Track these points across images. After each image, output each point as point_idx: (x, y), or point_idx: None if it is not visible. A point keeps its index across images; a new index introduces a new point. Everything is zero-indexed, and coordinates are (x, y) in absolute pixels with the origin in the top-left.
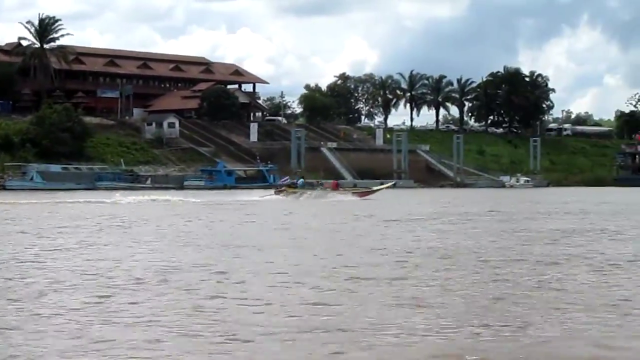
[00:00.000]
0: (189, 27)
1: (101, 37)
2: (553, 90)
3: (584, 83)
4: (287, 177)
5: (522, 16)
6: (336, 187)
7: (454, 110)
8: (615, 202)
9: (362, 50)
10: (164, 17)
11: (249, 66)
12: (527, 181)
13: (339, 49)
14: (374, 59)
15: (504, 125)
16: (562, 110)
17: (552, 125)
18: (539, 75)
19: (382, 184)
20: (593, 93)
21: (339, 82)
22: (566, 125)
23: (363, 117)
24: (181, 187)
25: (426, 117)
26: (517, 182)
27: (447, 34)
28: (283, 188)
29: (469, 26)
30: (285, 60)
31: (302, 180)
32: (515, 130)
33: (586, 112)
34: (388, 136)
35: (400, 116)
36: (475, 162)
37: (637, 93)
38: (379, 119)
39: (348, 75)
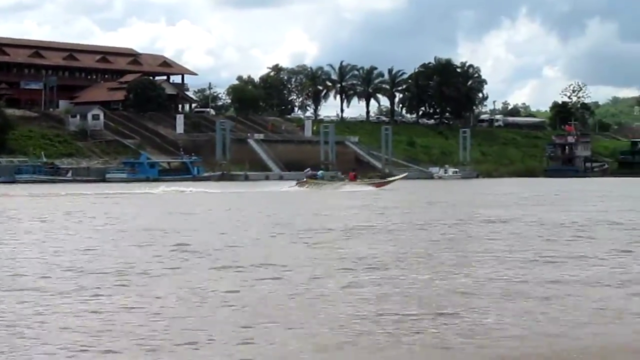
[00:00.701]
0: (129, 19)
1: (39, 29)
2: (485, 81)
3: (523, 75)
4: (309, 169)
5: (461, 8)
6: (354, 179)
7: (386, 102)
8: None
9: (302, 42)
10: (104, 9)
11: (188, 58)
12: (456, 172)
13: (279, 41)
14: (313, 51)
15: (436, 116)
16: (494, 102)
17: (484, 117)
18: (470, 66)
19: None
20: (532, 85)
21: (272, 73)
22: (498, 117)
23: (296, 109)
24: (103, 180)
25: (359, 109)
26: (446, 173)
27: (387, 26)
28: (305, 179)
29: (409, 18)
30: (225, 53)
31: (322, 172)
32: (446, 122)
33: (523, 104)
34: (314, 128)
35: (333, 108)
36: (406, 154)
37: (572, 84)
38: (312, 110)
39: (281, 67)
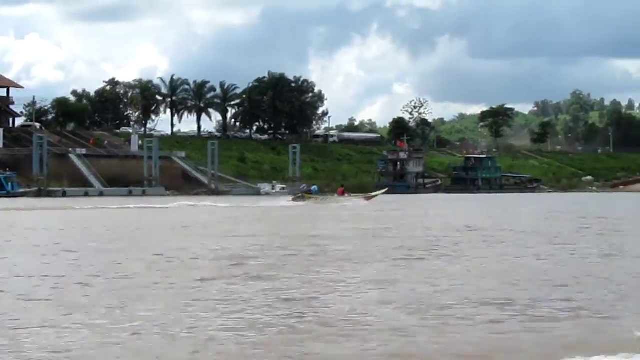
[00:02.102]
0: None
1: None
2: (324, 97)
3: (374, 91)
4: (304, 185)
5: (313, 25)
6: (342, 194)
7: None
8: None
9: (152, 56)
10: None
11: (37, 72)
12: (283, 189)
13: (130, 56)
14: (164, 65)
15: (270, 131)
16: (329, 117)
17: (318, 132)
18: (305, 81)
19: (130, 192)
20: (383, 101)
21: (108, 87)
22: (333, 132)
23: (132, 123)
24: None
25: (194, 124)
26: (273, 189)
27: (238, 42)
28: (300, 194)
29: (261, 34)
30: (75, 67)
31: (315, 187)
32: (280, 137)
33: (370, 120)
34: (140, 142)
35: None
36: (236, 169)
37: (413, 100)
38: (148, 125)
39: (118, 81)
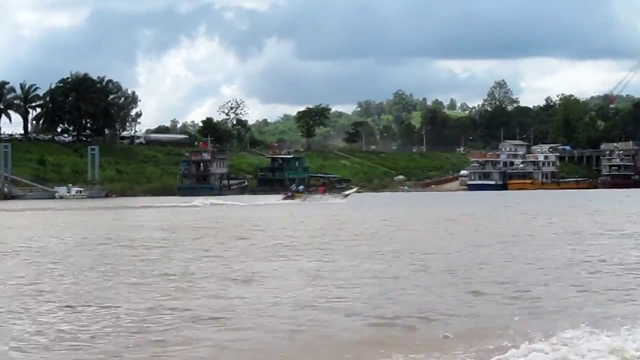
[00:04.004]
0: None
1: None
2: (136, 98)
3: (202, 93)
4: (294, 185)
5: (141, 27)
6: (323, 192)
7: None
8: None
9: None
10: None
11: None
12: (80, 192)
13: None
14: None
15: (74, 133)
16: (137, 119)
17: (125, 134)
18: (110, 81)
19: None
20: (211, 102)
21: None
22: (139, 134)
23: None
24: None
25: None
26: (69, 193)
27: (67, 44)
28: (291, 193)
29: (90, 36)
30: None
31: (302, 187)
32: (85, 139)
33: (192, 122)
34: None
35: None
36: (34, 172)
37: (229, 101)
38: None
39: None
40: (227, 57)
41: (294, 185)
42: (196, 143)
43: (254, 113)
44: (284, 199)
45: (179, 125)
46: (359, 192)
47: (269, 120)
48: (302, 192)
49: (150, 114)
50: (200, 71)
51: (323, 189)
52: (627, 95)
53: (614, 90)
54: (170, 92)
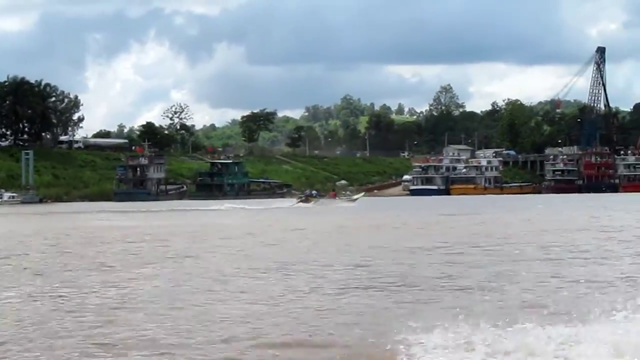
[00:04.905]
0: None
1: None
2: (79, 102)
3: (152, 97)
4: (308, 190)
5: (91, 31)
6: (334, 197)
7: None
8: None
9: None
10: None
11: None
12: (13, 197)
13: None
14: None
15: (11, 137)
16: (73, 124)
17: (63, 138)
18: (48, 84)
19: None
20: (160, 107)
21: None
22: (78, 138)
23: None
24: None
25: None
26: (1, 198)
27: (16, 48)
28: (305, 197)
29: (39, 40)
30: None
31: (315, 192)
32: (22, 143)
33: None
34: None
35: None
36: None
37: (173, 105)
38: None
39: None
40: (177, 62)
41: (307, 190)
42: (133, 148)
43: (203, 118)
44: (300, 202)
45: (125, 130)
46: (365, 196)
47: (217, 125)
48: (315, 196)
49: (99, 119)
50: (150, 76)
51: (334, 193)
52: (574, 100)
53: (560, 95)
54: (119, 96)
